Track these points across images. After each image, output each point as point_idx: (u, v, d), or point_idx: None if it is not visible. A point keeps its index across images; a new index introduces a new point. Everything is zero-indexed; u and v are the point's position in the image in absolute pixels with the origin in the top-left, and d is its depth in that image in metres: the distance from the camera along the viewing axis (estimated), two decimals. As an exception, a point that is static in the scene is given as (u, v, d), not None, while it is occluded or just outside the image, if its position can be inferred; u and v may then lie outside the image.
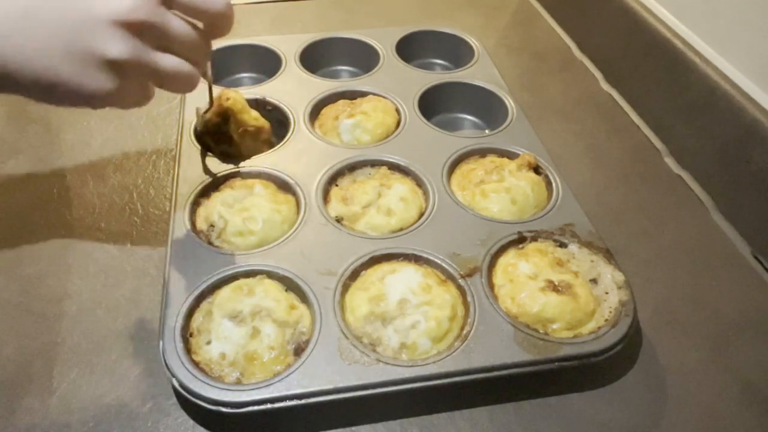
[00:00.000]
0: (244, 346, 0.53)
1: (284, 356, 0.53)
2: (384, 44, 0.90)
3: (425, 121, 0.78)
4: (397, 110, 0.79)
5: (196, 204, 0.66)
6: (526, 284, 0.57)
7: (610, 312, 0.57)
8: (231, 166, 0.70)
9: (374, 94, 0.81)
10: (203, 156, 0.71)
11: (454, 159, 0.72)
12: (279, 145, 0.73)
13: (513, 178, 0.68)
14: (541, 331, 0.55)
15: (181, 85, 0.49)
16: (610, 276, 0.59)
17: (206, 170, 0.69)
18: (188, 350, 0.53)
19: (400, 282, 0.57)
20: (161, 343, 0.52)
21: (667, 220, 0.72)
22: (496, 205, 0.66)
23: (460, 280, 0.58)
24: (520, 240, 0.63)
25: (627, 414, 0.54)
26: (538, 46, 1.02)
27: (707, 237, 0.71)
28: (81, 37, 0.42)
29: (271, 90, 0.81)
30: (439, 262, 0.60)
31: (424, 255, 0.61)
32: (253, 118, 0.72)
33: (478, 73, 0.86)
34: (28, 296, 0.62)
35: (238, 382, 0.51)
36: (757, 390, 0.56)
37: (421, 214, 0.66)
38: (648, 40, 0.84)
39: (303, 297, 0.57)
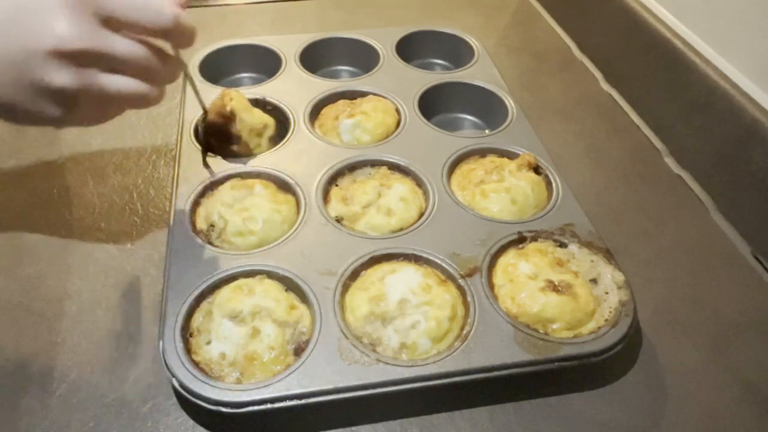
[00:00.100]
0: (244, 346, 0.53)
1: (284, 356, 0.53)
2: (384, 44, 0.90)
3: (425, 121, 0.78)
4: (397, 110, 0.79)
5: (196, 204, 0.66)
6: (526, 284, 0.57)
7: (610, 312, 0.57)
8: (238, 165, 0.70)
9: (374, 94, 0.81)
10: (204, 156, 0.71)
11: (454, 159, 0.72)
12: (279, 145, 0.73)
13: (513, 178, 0.68)
14: (541, 331, 0.55)
15: (138, 103, 0.49)
16: (610, 276, 0.59)
17: (208, 169, 0.69)
18: (188, 350, 0.53)
19: (400, 282, 0.57)
20: (161, 343, 0.52)
21: (667, 220, 0.72)
22: (496, 205, 0.66)
23: (460, 280, 0.58)
24: (520, 240, 0.63)
25: (627, 414, 0.54)
26: (538, 46, 1.02)
27: (707, 237, 0.71)
28: (25, 70, 0.44)
29: (271, 90, 0.81)
30: (439, 262, 0.60)
31: (424, 255, 0.61)
32: (257, 115, 0.73)
33: (478, 73, 0.86)
34: (28, 296, 0.62)
35: (238, 382, 0.51)
36: (757, 390, 0.56)
37: (421, 214, 0.66)
38: (648, 40, 0.84)
39: (303, 297, 0.57)
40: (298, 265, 0.59)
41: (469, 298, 0.57)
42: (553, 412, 0.54)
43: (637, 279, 0.62)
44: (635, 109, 0.88)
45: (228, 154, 0.71)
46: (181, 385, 0.50)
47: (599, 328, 0.55)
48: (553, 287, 0.57)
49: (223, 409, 0.49)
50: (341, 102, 0.80)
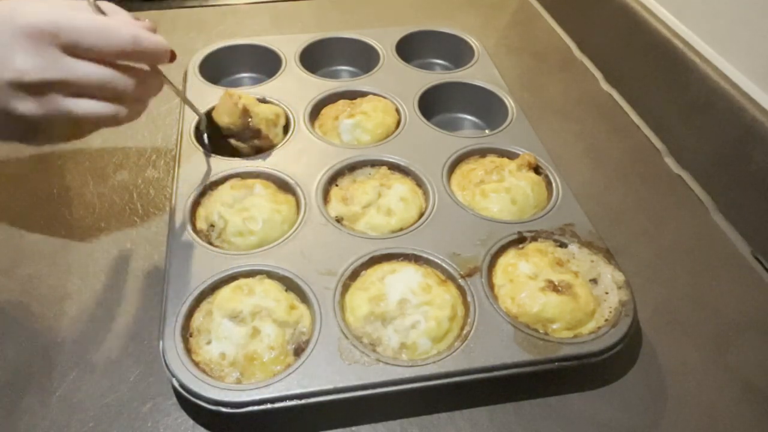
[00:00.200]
0: (244, 346, 0.53)
1: (284, 356, 0.53)
2: (384, 44, 0.90)
3: (425, 121, 0.78)
4: (397, 110, 0.79)
5: (196, 204, 0.66)
6: (526, 284, 0.57)
7: (610, 312, 0.57)
8: (238, 165, 0.70)
9: (374, 94, 0.81)
10: (208, 156, 0.71)
11: (454, 159, 0.72)
12: (279, 145, 0.73)
13: (513, 178, 0.68)
14: (541, 331, 0.55)
15: (108, 123, 0.51)
16: (610, 276, 0.59)
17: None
18: (188, 350, 0.53)
19: (400, 282, 0.57)
20: (161, 343, 0.52)
21: (667, 220, 0.72)
22: (496, 205, 0.66)
23: (460, 280, 0.58)
24: (520, 240, 0.63)
25: (627, 414, 0.54)
26: (538, 46, 1.02)
27: (707, 237, 0.71)
28: None
29: (271, 90, 0.81)
30: (439, 262, 0.60)
31: (424, 255, 0.61)
32: (267, 107, 0.74)
33: (478, 73, 0.86)
34: (28, 296, 0.62)
35: (238, 382, 0.51)
36: (757, 390, 0.56)
37: (421, 214, 0.66)
38: (648, 40, 0.84)
39: (303, 297, 0.57)
40: (298, 265, 0.59)
41: (469, 298, 0.57)
42: (553, 412, 0.54)
43: (637, 279, 0.62)
44: (635, 109, 0.88)
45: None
46: (181, 385, 0.50)
47: (599, 328, 0.55)
48: (553, 287, 0.57)
49: (223, 409, 0.49)
50: (341, 102, 0.80)
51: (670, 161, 0.80)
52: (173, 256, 0.59)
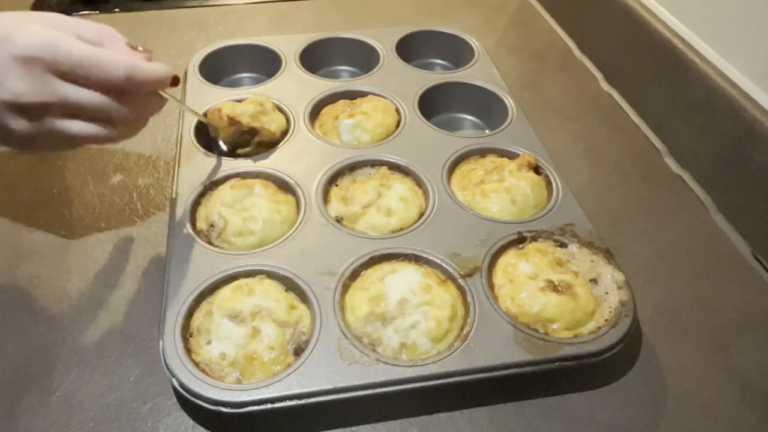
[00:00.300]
0: (244, 346, 0.53)
1: (284, 356, 0.53)
2: (384, 44, 0.90)
3: (425, 121, 0.78)
4: (397, 110, 0.79)
5: (196, 204, 0.66)
6: (526, 284, 0.57)
7: (610, 312, 0.57)
8: (238, 165, 0.70)
9: (374, 94, 0.81)
10: (208, 156, 0.71)
11: (454, 159, 0.72)
12: (279, 145, 0.73)
13: (513, 178, 0.68)
14: (541, 331, 0.55)
15: (99, 141, 0.52)
16: (610, 276, 0.59)
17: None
18: (188, 350, 0.53)
19: (400, 282, 0.57)
20: (161, 343, 0.52)
21: (667, 220, 0.72)
22: (496, 205, 0.66)
23: (460, 280, 0.58)
24: (520, 240, 0.63)
25: (627, 414, 0.54)
26: (538, 46, 1.02)
27: (707, 237, 0.71)
28: None
29: (271, 90, 0.81)
30: (439, 262, 0.60)
31: (424, 255, 0.61)
32: (246, 104, 0.74)
33: (478, 73, 0.86)
34: (28, 296, 0.62)
35: (238, 382, 0.51)
36: (757, 390, 0.56)
37: (421, 214, 0.66)
38: (648, 40, 0.84)
39: (303, 297, 0.57)
40: (298, 265, 0.59)
41: (469, 298, 0.57)
42: (553, 412, 0.54)
43: (637, 279, 0.62)
44: (635, 109, 0.88)
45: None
46: (181, 385, 0.50)
47: (599, 328, 0.55)
48: (553, 287, 0.57)
49: (223, 409, 0.49)
50: (341, 102, 0.80)
51: (670, 161, 0.80)
52: (173, 256, 0.59)
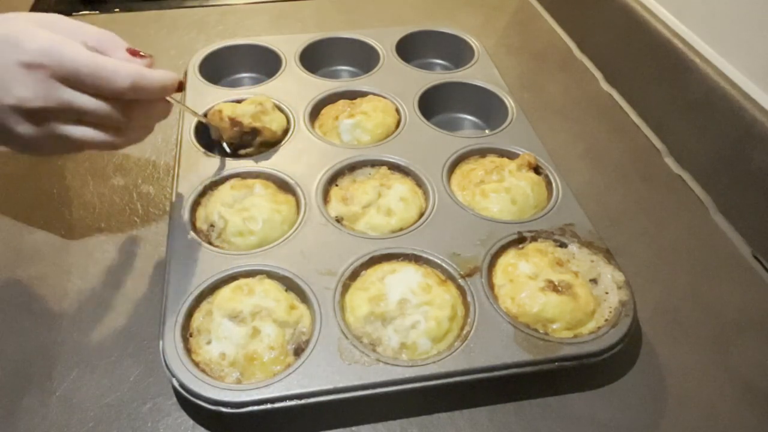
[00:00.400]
0: (244, 346, 0.53)
1: (284, 356, 0.53)
2: (384, 44, 0.90)
3: (425, 121, 0.78)
4: (397, 110, 0.79)
5: (196, 204, 0.66)
6: (526, 284, 0.57)
7: (610, 312, 0.57)
8: (238, 165, 0.70)
9: (374, 94, 0.81)
10: (208, 156, 0.71)
11: (454, 159, 0.72)
12: (279, 145, 0.73)
13: (513, 178, 0.68)
14: (541, 331, 0.55)
15: (101, 148, 0.52)
16: (610, 276, 0.59)
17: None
18: (188, 350, 0.53)
19: (400, 282, 0.57)
20: (161, 343, 0.52)
21: (667, 220, 0.72)
22: (496, 205, 0.66)
23: (460, 280, 0.58)
24: (520, 240, 0.63)
25: (627, 414, 0.54)
26: (538, 46, 1.02)
27: (707, 237, 0.71)
28: None
29: (271, 90, 0.81)
30: (439, 262, 0.60)
31: (424, 255, 0.61)
32: (246, 104, 0.74)
33: (478, 73, 0.86)
34: (28, 296, 0.62)
35: (238, 382, 0.51)
36: (757, 390, 0.56)
37: (421, 214, 0.66)
38: (648, 40, 0.84)
39: (303, 297, 0.57)
40: (298, 265, 0.59)
41: (469, 298, 0.57)
42: (553, 412, 0.54)
43: (637, 279, 0.62)
44: (635, 109, 0.88)
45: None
46: (181, 385, 0.50)
47: (599, 328, 0.55)
48: (553, 287, 0.57)
49: (223, 409, 0.49)
50: (341, 102, 0.80)
51: (670, 161, 0.80)
52: (173, 256, 0.59)
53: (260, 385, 0.50)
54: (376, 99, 0.80)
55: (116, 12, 1.07)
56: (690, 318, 0.62)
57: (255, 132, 0.71)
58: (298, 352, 0.53)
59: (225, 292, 0.56)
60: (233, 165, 0.70)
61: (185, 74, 0.84)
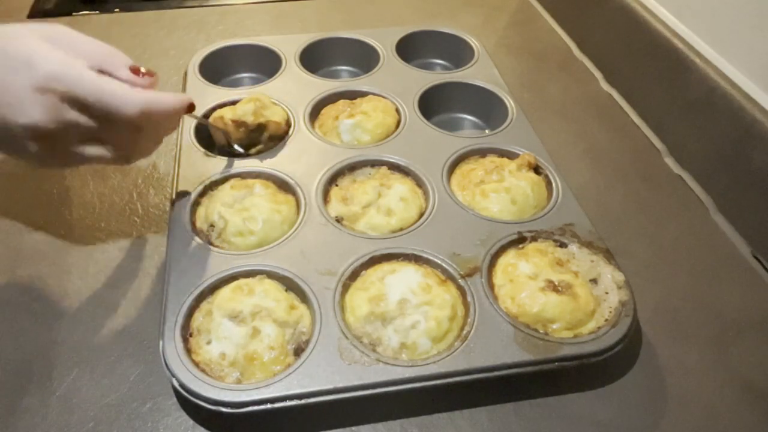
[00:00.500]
0: (244, 346, 0.53)
1: (284, 356, 0.53)
2: (384, 44, 0.90)
3: (425, 121, 0.78)
4: (397, 110, 0.79)
5: (196, 204, 0.66)
6: (526, 284, 0.57)
7: (610, 312, 0.57)
8: (238, 165, 0.70)
9: (374, 94, 0.81)
10: (208, 156, 0.71)
11: (454, 159, 0.72)
12: (279, 145, 0.73)
13: (513, 178, 0.68)
14: (541, 331, 0.55)
15: (110, 164, 0.53)
16: (610, 276, 0.59)
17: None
18: (188, 350, 0.53)
19: (400, 282, 0.57)
20: (161, 343, 0.52)
21: (667, 220, 0.72)
22: (496, 205, 0.66)
23: (460, 280, 0.58)
24: (520, 240, 0.63)
25: (627, 414, 0.54)
26: (538, 46, 1.02)
27: (707, 237, 0.71)
28: (6, 138, 0.49)
29: (271, 90, 0.81)
30: (439, 262, 0.60)
31: (424, 255, 0.61)
32: (243, 104, 0.74)
33: (478, 73, 0.86)
34: (28, 296, 0.62)
35: (238, 382, 0.51)
36: (757, 390, 0.56)
37: (421, 214, 0.66)
38: (648, 40, 0.84)
39: (303, 297, 0.57)
40: (298, 265, 0.59)
41: (469, 298, 0.57)
42: (553, 412, 0.54)
43: (637, 279, 0.62)
44: (635, 109, 0.88)
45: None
46: (181, 385, 0.50)
47: (599, 328, 0.55)
48: (553, 287, 0.57)
49: (223, 409, 0.49)
50: (341, 102, 0.80)
51: (670, 161, 0.80)
52: (173, 256, 0.59)
53: (260, 385, 0.50)
54: (376, 99, 0.80)
55: (116, 12, 1.07)
56: (690, 318, 0.62)
57: (261, 127, 0.72)
58: (298, 352, 0.53)
59: (225, 292, 0.56)
60: (233, 165, 0.70)
61: (185, 74, 0.84)
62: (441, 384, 0.51)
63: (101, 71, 0.50)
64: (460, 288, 0.58)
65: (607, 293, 0.58)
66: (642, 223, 0.72)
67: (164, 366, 0.51)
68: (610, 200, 0.74)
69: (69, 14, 1.06)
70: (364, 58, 0.91)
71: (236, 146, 0.72)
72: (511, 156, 0.72)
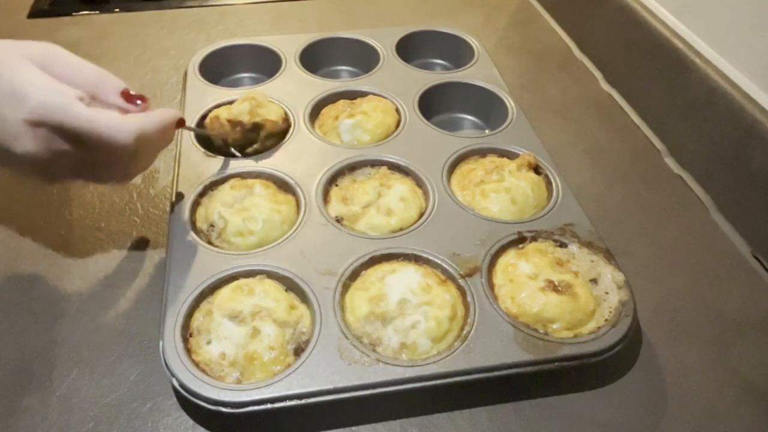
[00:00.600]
0: (244, 346, 0.53)
1: (284, 356, 0.53)
2: (384, 44, 0.90)
3: (425, 121, 0.78)
4: (397, 110, 0.79)
5: (196, 204, 0.66)
6: (526, 284, 0.57)
7: (610, 312, 0.57)
8: (238, 165, 0.70)
9: (374, 94, 0.81)
10: (208, 156, 0.71)
11: (454, 159, 0.72)
12: (279, 145, 0.73)
13: (513, 178, 0.68)
14: (541, 331, 0.55)
15: (108, 184, 0.56)
16: (610, 276, 0.59)
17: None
18: (188, 350, 0.53)
19: (400, 282, 0.57)
20: (161, 343, 0.52)
21: (667, 220, 0.72)
22: (496, 205, 0.66)
23: (460, 280, 0.58)
24: (520, 240, 0.63)
25: (627, 414, 0.54)
26: (538, 46, 1.02)
27: (707, 237, 0.71)
28: (4, 160, 0.49)
29: (271, 90, 0.81)
30: (439, 262, 0.60)
31: (424, 255, 0.61)
32: (238, 105, 0.73)
33: (478, 73, 0.86)
34: (28, 296, 0.62)
35: (238, 382, 0.51)
36: (757, 390, 0.56)
37: (421, 214, 0.66)
38: (648, 40, 0.84)
39: (303, 297, 0.57)
40: (298, 265, 0.59)
41: (469, 298, 0.57)
42: (553, 412, 0.54)
43: (637, 279, 0.62)
44: (635, 109, 0.88)
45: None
46: (181, 385, 0.50)
47: (599, 328, 0.55)
48: (553, 287, 0.57)
49: (223, 409, 0.49)
50: (341, 102, 0.80)
51: (670, 161, 0.80)
52: (173, 256, 0.59)
53: (260, 385, 0.50)
54: (376, 99, 0.80)
55: (116, 12, 1.07)
56: (690, 318, 0.62)
57: (257, 126, 0.71)
58: (298, 352, 0.53)
59: (225, 292, 0.56)
60: (233, 165, 0.70)
61: (185, 74, 0.84)
62: (441, 384, 0.51)
63: (93, 97, 0.50)
64: (460, 288, 0.58)
65: (607, 293, 0.58)
66: (642, 223, 0.72)
67: (164, 366, 0.51)
68: (610, 200, 0.74)
69: (69, 14, 1.06)
70: (364, 58, 0.91)
71: (233, 150, 0.71)
72: (511, 156, 0.73)
